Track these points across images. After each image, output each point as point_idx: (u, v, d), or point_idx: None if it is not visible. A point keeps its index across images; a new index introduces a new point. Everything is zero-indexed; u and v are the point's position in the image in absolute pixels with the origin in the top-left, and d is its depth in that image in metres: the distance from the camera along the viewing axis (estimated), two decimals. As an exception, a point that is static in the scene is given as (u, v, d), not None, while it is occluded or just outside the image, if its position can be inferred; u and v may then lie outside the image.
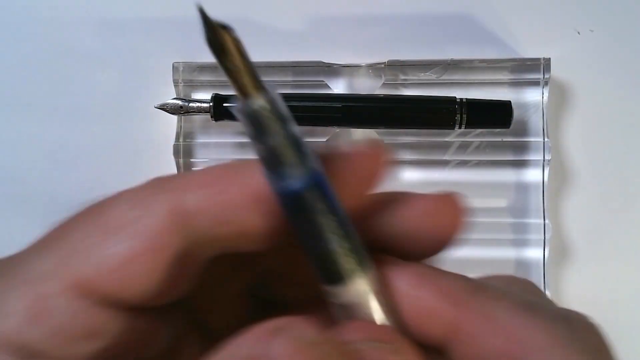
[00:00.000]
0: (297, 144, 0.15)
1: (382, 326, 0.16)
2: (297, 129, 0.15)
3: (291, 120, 0.15)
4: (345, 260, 0.16)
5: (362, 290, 0.16)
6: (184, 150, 0.38)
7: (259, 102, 0.14)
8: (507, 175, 0.38)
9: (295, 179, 0.15)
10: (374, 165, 0.16)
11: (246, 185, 0.15)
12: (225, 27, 0.14)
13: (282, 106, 0.15)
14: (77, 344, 0.15)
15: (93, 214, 0.16)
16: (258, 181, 0.15)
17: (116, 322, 0.15)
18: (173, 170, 0.38)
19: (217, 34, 0.14)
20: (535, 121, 0.37)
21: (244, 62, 0.14)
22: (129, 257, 0.15)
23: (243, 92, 0.14)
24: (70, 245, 0.15)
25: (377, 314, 0.16)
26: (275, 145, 0.15)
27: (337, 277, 0.16)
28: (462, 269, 0.17)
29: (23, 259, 0.16)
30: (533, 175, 0.37)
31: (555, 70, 0.36)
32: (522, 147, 0.37)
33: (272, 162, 0.15)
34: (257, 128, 0.15)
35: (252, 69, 0.14)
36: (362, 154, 0.16)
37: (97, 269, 0.15)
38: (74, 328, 0.15)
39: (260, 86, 0.14)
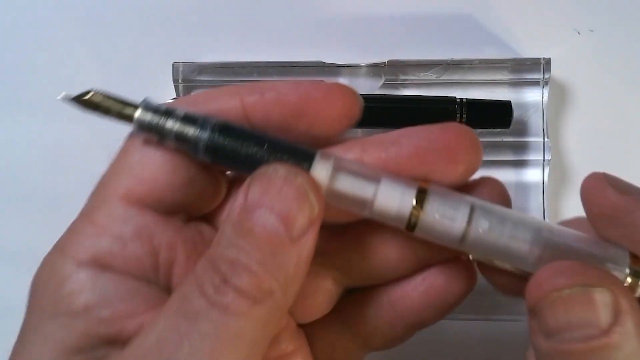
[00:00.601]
0: (187, 119, 0.20)
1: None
2: (180, 110, 0.20)
3: (171, 110, 0.20)
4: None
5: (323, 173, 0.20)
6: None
7: (138, 117, 0.20)
8: (507, 175, 0.37)
9: (202, 137, 0.20)
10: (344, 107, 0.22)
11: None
12: (86, 93, 0.21)
13: (158, 106, 0.20)
14: (132, 244, 0.20)
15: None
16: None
17: (161, 225, 0.21)
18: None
19: (86, 103, 0.21)
20: (535, 121, 0.37)
21: (112, 102, 0.20)
22: (153, 169, 0.21)
23: (126, 119, 0.20)
24: (113, 172, 0.21)
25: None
26: (174, 130, 0.20)
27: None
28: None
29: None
30: (533, 175, 0.37)
31: (555, 70, 0.36)
32: (522, 147, 0.37)
33: (182, 141, 0.20)
34: (153, 132, 0.20)
35: (117, 104, 0.20)
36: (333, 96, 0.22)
37: (135, 180, 0.21)
38: (128, 231, 0.20)
39: (129, 113, 0.20)
